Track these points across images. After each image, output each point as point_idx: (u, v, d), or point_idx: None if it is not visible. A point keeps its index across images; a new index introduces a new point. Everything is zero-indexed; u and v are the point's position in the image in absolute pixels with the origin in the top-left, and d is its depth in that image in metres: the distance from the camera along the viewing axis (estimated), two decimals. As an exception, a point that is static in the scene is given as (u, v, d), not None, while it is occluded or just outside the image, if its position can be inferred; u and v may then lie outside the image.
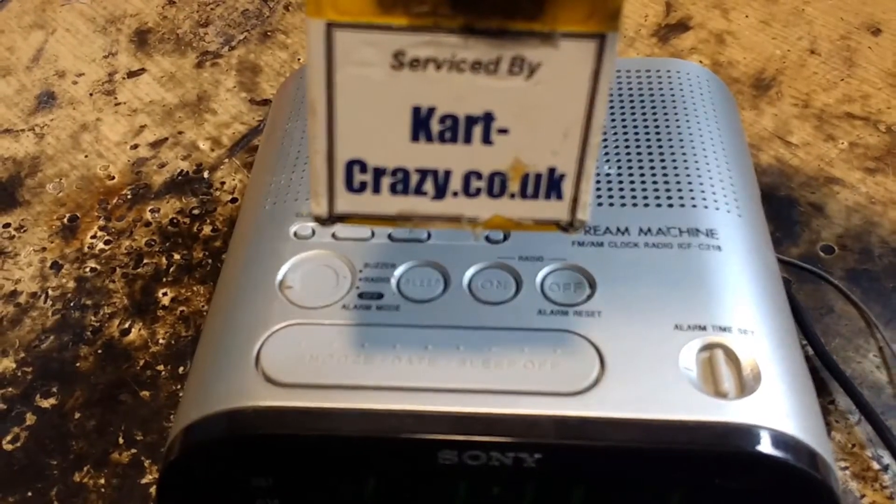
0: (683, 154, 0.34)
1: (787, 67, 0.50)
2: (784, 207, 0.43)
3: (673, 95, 0.37)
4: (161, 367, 0.39)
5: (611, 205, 0.33)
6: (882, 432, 0.35)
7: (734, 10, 0.54)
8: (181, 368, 0.39)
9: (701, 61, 0.51)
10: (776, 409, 0.27)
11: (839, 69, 0.50)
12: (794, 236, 0.42)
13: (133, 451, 0.37)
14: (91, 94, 0.51)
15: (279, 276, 0.31)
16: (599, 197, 0.33)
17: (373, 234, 0.32)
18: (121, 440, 0.37)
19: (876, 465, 0.35)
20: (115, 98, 0.51)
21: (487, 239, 0.32)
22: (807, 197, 0.44)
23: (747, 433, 0.26)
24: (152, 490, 0.36)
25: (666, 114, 0.36)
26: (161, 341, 0.40)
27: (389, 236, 0.32)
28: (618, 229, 0.32)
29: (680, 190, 0.33)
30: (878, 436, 0.35)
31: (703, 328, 0.29)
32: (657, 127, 0.36)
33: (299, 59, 0.53)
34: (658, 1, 0.54)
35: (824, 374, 0.37)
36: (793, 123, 0.47)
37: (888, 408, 0.36)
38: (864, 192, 0.44)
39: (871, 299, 0.40)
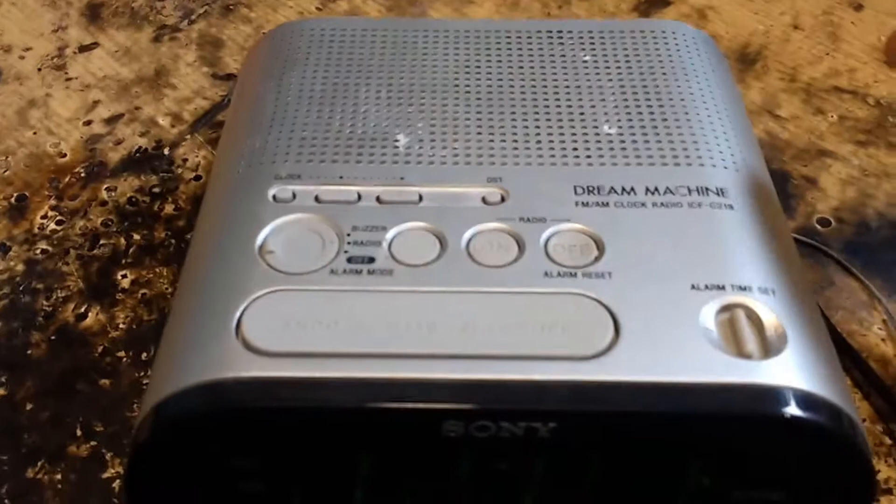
0: (686, 113, 0.32)
1: (772, 42, 0.49)
2: (777, 181, 0.41)
3: (670, 55, 0.35)
4: (122, 354, 0.36)
5: (614, 164, 0.31)
6: (894, 405, 0.33)
7: (713, -14, 0.52)
8: (144, 354, 0.36)
9: (683, 37, 0.49)
10: (804, 369, 0.25)
11: (824, 44, 0.49)
12: (790, 210, 0.41)
13: (92, 443, 0.33)
14: (39, 70, 0.48)
15: (258, 241, 0.28)
16: (601, 157, 0.31)
17: (359, 197, 0.30)
18: (78, 432, 0.34)
19: (888, 440, 0.33)
20: (66, 73, 0.48)
21: (484, 200, 0.30)
22: (799, 170, 0.42)
23: (778, 394, 0.24)
24: (115, 485, 0.32)
25: (664, 73, 0.34)
26: (121, 326, 0.37)
27: (378, 199, 0.30)
28: (623, 189, 0.30)
29: (686, 149, 0.31)
30: (890, 409, 0.33)
31: (722, 288, 0.27)
32: (657, 86, 0.34)
33: (264, 33, 0.50)
34: (635, -22, 0.53)
35: (830, 348, 0.35)
36: (781, 97, 0.46)
37: (896, 381, 0.35)
38: (856, 164, 0.43)
39: (872, 272, 0.38)
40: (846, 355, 0.35)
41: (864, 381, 0.35)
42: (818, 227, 0.40)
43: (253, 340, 0.25)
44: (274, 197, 0.30)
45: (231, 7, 0.51)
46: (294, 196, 0.30)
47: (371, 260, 0.28)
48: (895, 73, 0.46)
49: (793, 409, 0.24)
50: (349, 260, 0.28)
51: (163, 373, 0.26)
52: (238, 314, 0.26)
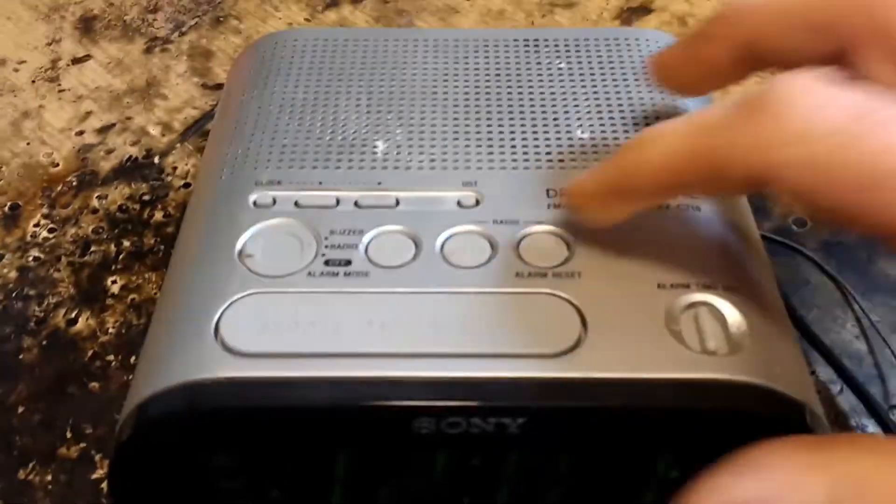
0: (657, 117, 0.33)
1: (751, 47, 0.50)
2: (755, 182, 0.42)
3: (643, 61, 0.36)
4: (111, 358, 0.37)
5: (586, 168, 0.31)
6: (867, 400, 0.34)
7: (695, -7, 0.53)
8: (133, 358, 0.37)
9: (664, 42, 0.50)
10: (767, 365, 0.26)
11: (802, 48, 0.49)
12: (767, 211, 0.41)
13: (82, 445, 0.34)
14: (33, 82, 0.49)
15: (238, 246, 0.29)
16: (574, 161, 0.32)
17: (338, 202, 0.31)
18: (69, 434, 0.35)
19: (861, 435, 0.34)
20: (59, 85, 0.49)
21: (459, 204, 0.30)
22: (777, 172, 0.43)
23: (740, 390, 0.25)
24: (103, 486, 0.33)
25: (637, 79, 0.35)
26: (111, 330, 0.38)
27: (356, 203, 0.30)
28: (594, 192, 0.30)
29: (656, 152, 0.32)
30: (862, 404, 0.34)
31: (687, 286, 0.27)
32: (629, 92, 0.34)
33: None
34: (619, -15, 0.54)
35: (804, 345, 0.36)
36: (759, 101, 0.46)
37: (868, 377, 0.36)
38: (833, 166, 0.43)
39: (847, 270, 0.39)
40: (820, 353, 0.36)
41: (838, 378, 0.35)
42: (794, 227, 0.41)
43: (231, 342, 0.26)
44: (255, 202, 0.30)
45: (221, 19, 0.52)
46: (274, 201, 0.31)
47: (348, 262, 0.28)
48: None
49: (754, 404, 0.25)
50: (326, 262, 0.28)
51: (145, 373, 0.26)
52: (217, 316, 0.27)
